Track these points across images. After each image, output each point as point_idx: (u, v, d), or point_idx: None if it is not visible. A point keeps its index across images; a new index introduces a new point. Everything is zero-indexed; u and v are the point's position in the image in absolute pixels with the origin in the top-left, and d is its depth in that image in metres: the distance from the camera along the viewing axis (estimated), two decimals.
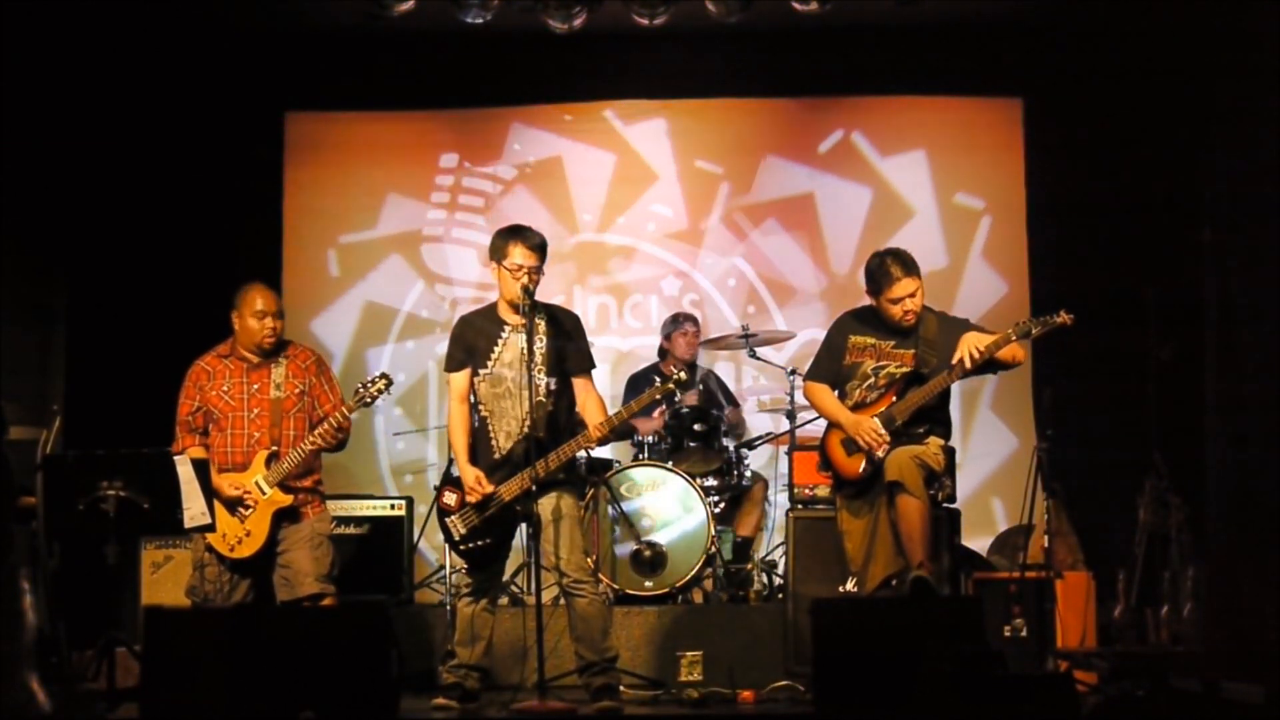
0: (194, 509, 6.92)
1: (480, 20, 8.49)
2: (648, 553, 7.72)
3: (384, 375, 6.64)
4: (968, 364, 6.40)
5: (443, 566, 8.19)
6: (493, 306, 6.59)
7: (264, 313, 6.63)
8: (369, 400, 6.58)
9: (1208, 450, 8.17)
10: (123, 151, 9.00)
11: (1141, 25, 8.71)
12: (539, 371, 6.37)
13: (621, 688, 6.69)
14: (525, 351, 6.31)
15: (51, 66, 8.50)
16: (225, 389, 6.65)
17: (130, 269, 8.98)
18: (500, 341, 6.46)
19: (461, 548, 6.48)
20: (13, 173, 8.12)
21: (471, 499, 6.40)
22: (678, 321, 8.75)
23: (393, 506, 8.28)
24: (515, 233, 6.49)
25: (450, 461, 7.77)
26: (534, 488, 6.27)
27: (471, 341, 6.50)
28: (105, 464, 6.31)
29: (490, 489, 6.37)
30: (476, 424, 6.51)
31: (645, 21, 8.47)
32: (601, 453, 8.44)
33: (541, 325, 6.43)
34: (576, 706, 6.35)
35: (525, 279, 6.35)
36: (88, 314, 8.91)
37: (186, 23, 8.86)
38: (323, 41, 9.18)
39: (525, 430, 6.31)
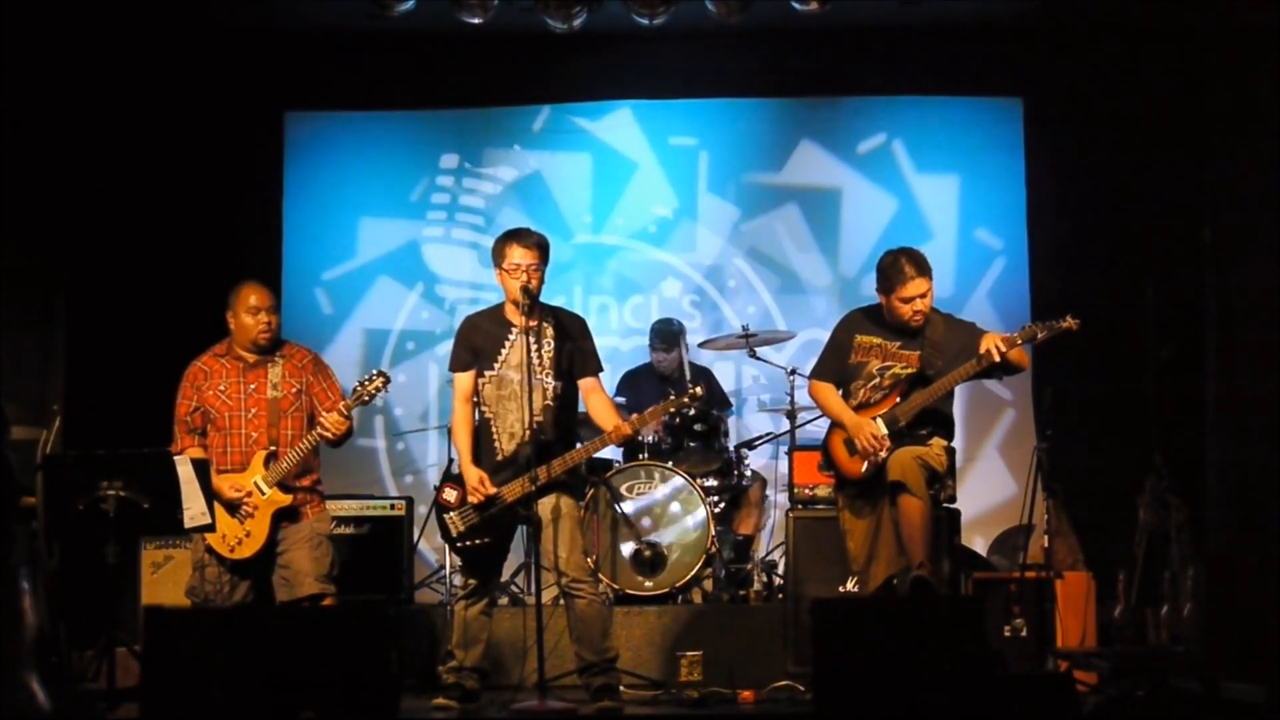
0: (194, 509, 6.92)
1: (480, 20, 8.49)
2: (648, 553, 7.73)
3: (381, 373, 6.62)
4: (995, 356, 6.41)
5: (442, 566, 8.20)
6: (499, 308, 6.58)
7: (258, 308, 6.63)
8: (366, 399, 6.58)
9: (1208, 450, 8.16)
10: (123, 151, 9.01)
11: (1141, 26, 8.71)
12: (545, 374, 6.40)
13: (621, 688, 6.70)
14: (529, 353, 6.34)
15: (52, 67, 8.50)
16: (222, 389, 6.65)
17: (130, 269, 8.99)
18: (507, 343, 6.47)
19: (458, 545, 6.50)
20: (13, 173, 8.12)
21: (474, 499, 6.41)
22: (650, 339, 8.69)
23: (393, 506, 8.28)
24: (511, 234, 6.53)
25: (452, 460, 7.80)
26: (534, 488, 6.29)
27: (478, 344, 6.51)
28: (105, 464, 6.31)
29: (493, 490, 6.38)
30: (479, 424, 6.51)
31: (645, 21, 8.47)
32: (602, 452, 8.42)
33: (549, 329, 6.46)
34: (576, 706, 6.36)
35: (524, 278, 6.36)
36: (88, 314, 8.90)
37: (187, 23, 8.86)
38: (323, 41, 9.19)
39: (529, 433, 6.33)
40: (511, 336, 6.47)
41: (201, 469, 6.39)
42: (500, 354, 6.47)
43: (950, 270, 9.19)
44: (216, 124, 9.14)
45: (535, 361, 6.37)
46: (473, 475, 6.42)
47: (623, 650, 7.20)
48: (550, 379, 6.43)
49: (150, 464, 6.35)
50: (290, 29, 9.14)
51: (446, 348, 9.34)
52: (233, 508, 6.54)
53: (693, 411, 7.97)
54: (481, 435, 6.52)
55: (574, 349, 6.51)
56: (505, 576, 8.25)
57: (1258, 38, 7.61)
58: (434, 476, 8.78)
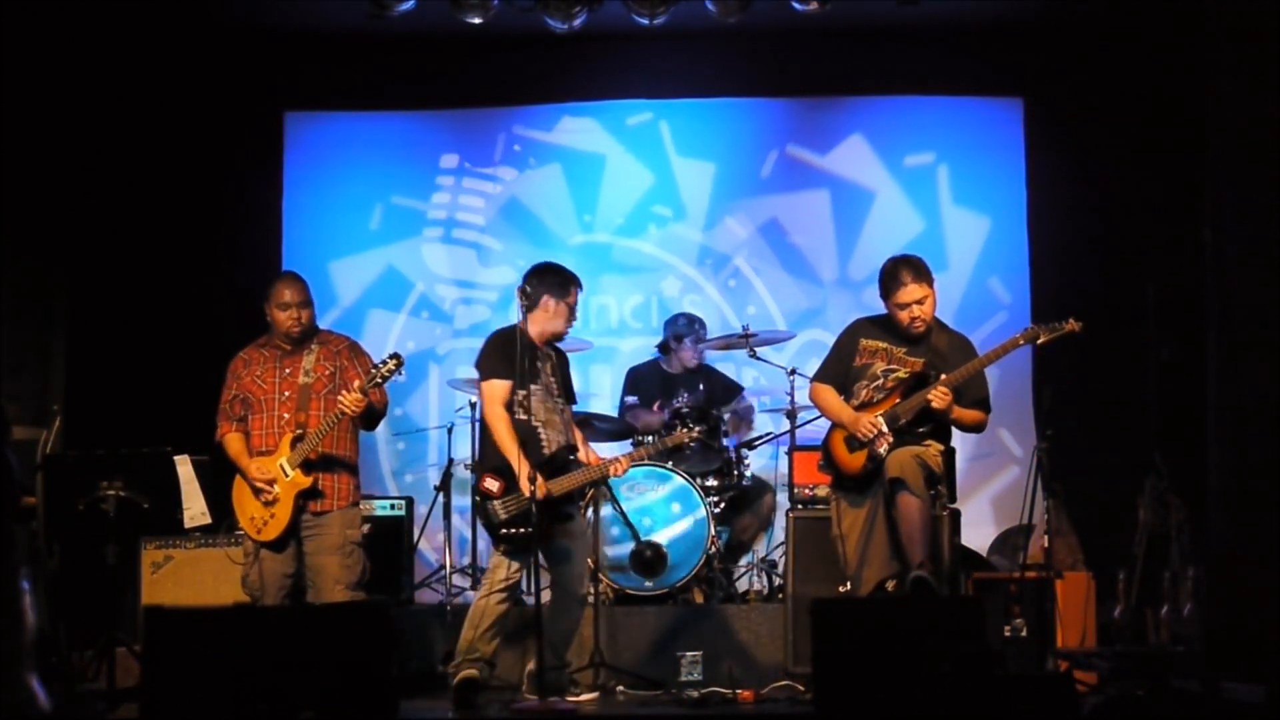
0: (194, 509, 6.94)
1: (480, 20, 8.49)
2: (648, 553, 7.73)
3: (395, 355, 6.66)
4: (936, 405, 6.52)
5: (443, 567, 8.20)
6: (522, 330, 6.75)
7: (288, 304, 6.73)
8: (380, 380, 6.62)
9: (1208, 450, 8.16)
10: (123, 151, 9.01)
11: (1141, 25, 8.71)
12: (561, 394, 6.87)
13: (620, 687, 6.73)
14: (556, 374, 6.85)
15: (52, 66, 8.50)
16: (259, 374, 6.74)
17: (130, 269, 8.99)
18: (540, 362, 6.78)
19: (502, 531, 6.61)
20: (13, 173, 8.13)
21: (538, 493, 6.58)
22: (693, 325, 8.64)
23: (393, 507, 8.29)
24: (573, 276, 6.89)
25: (453, 460, 7.83)
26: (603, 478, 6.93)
27: (520, 358, 6.71)
28: (105, 464, 6.33)
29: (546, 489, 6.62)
30: (523, 430, 6.68)
31: (645, 21, 8.47)
32: (602, 452, 8.42)
33: (553, 356, 6.88)
34: (576, 706, 6.37)
35: (573, 318, 6.84)
36: (88, 314, 8.91)
37: (186, 23, 8.86)
38: (323, 41, 9.18)
39: (567, 439, 6.81)
40: (540, 357, 6.78)
41: (202, 469, 6.40)
42: (539, 370, 6.76)
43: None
44: (216, 124, 9.15)
45: (554, 381, 6.82)
46: (530, 470, 6.63)
47: (623, 650, 7.24)
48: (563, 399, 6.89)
49: (150, 464, 6.37)
50: (290, 29, 9.13)
51: (446, 347, 9.44)
52: (257, 491, 6.59)
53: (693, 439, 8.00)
54: (530, 439, 6.67)
55: (565, 378, 6.94)
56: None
57: (1257, 38, 7.60)
58: (434, 476, 8.76)
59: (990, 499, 9.05)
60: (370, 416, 6.74)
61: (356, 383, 6.60)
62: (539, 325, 6.79)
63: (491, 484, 6.62)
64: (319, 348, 6.78)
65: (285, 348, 6.77)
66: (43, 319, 8.72)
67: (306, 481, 6.56)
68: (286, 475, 6.56)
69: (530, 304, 6.79)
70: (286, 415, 6.64)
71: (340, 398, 6.54)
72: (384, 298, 9.54)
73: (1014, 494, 8.58)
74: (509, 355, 6.68)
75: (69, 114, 8.68)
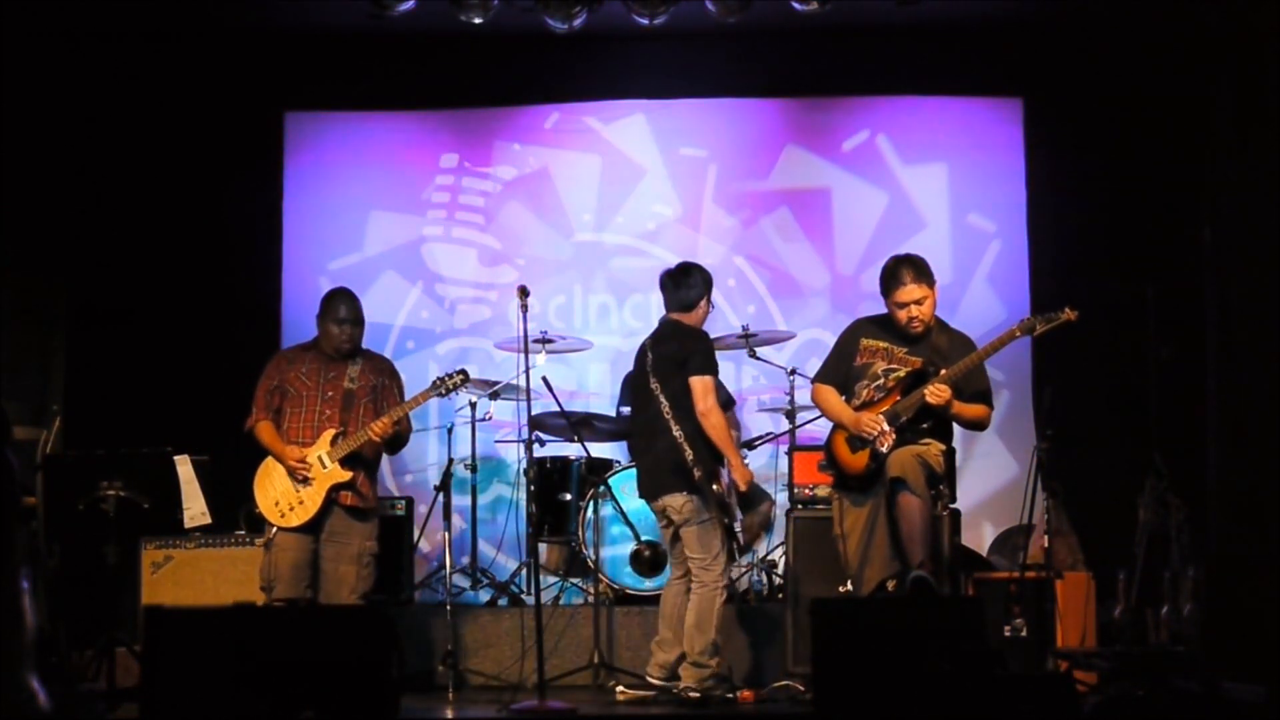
0: (194, 509, 6.94)
1: (480, 20, 8.49)
2: (648, 553, 7.73)
3: (462, 370, 6.94)
4: (932, 400, 6.51)
5: (443, 567, 8.19)
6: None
7: (343, 320, 6.91)
8: (444, 391, 6.92)
9: (1208, 450, 8.17)
10: (123, 152, 9.01)
11: (1141, 25, 8.71)
12: None
13: (620, 688, 6.72)
14: None
15: (52, 67, 8.51)
16: (304, 372, 6.90)
17: (130, 269, 8.99)
18: None
19: (733, 529, 6.86)
20: (13, 174, 8.13)
21: (747, 490, 6.85)
22: None
23: (393, 506, 8.29)
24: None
25: (451, 461, 7.76)
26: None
27: None
28: (105, 464, 6.34)
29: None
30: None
31: (645, 21, 8.47)
32: (602, 452, 8.43)
33: None
34: (577, 706, 6.38)
35: None
36: (88, 314, 8.91)
37: (186, 23, 8.86)
38: (323, 41, 9.18)
39: None
40: None
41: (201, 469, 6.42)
42: None
43: (947, 257, 9.15)
44: (216, 124, 9.14)
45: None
46: (748, 470, 6.86)
47: (622, 650, 7.24)
48: None
49: (150, 464, 6.38)
50: (290, 29, 9.13)
51: (447, 346, 9.42)
52: (294, 474, 6.69)
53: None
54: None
55: None
56: (505, 577, 8.27)
57: (1257, 38, 7.61)
58: (434, 476, 8.75)
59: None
60: (395, 443, 6.92)
61: (397, 408, 6.76)
62: (697, 321, 6.90)
63: (716, 488, 6.73)
64: (364, 361, 6.99)
65: (331, 357, 6.93)
66: (43, 319, 8.73)
67: (345, 475, 6.71)
68: (325, 467, 6.70)
69: (693, 301, 6.86)
70: (329, 413, 6.80)
71: (371, 425, 6.71)
72: (384, 295, 9.51)
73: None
74: (714, 352, 6.84)
75: (69, 114, 8.68)
